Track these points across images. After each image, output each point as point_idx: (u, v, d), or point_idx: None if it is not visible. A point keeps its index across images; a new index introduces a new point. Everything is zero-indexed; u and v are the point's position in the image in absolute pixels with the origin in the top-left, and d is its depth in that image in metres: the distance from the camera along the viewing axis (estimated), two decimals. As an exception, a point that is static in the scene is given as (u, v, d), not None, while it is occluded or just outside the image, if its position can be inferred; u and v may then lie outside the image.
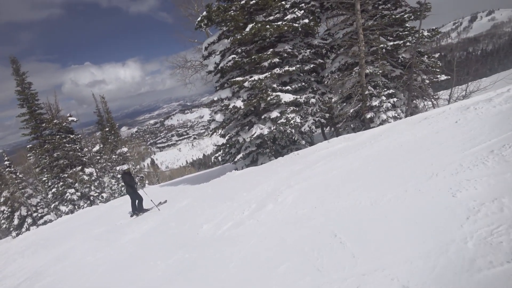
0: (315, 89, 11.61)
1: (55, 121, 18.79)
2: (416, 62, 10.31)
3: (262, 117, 9.64)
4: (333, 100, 12.06)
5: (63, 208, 18.62)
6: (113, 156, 23.40)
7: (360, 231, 2.77)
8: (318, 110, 11.46)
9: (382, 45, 10.22)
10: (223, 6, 9.40)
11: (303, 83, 11.29)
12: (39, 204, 18.76)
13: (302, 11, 10.35)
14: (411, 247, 2.24)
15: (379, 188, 3.50)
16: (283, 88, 10.17)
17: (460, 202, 2.54)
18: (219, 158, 11.71)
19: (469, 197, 2.56)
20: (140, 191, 7.71)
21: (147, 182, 27.07)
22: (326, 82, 12.81)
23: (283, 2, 10.00)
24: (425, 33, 10.37)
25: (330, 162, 5.71)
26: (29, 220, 18.26)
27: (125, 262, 4.52)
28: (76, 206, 18.84)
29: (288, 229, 3.45)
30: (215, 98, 9.81)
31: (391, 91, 10.49)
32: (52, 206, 18.99)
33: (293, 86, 10.52)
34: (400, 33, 10.72)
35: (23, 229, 18.02)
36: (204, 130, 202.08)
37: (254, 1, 9.32)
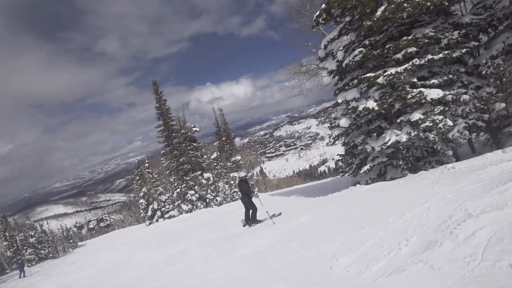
0: (465, 82, 8.53)
1: (182, 131, 22.09)
2: None
3: (398, 120, 7.50)
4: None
5: (184, 207, 21.30)
6: (228, 164, 25.51)
7: None
8: (473, 110, 8.35)
9: None
10: (346, -7, 8.05)
11: (450, 75, 8.43)
12: (167, 200, 22.16)
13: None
14: None
15: None
16: (426, 83, 7.76)
17: None
18: (339, 169, 10.04)
19: None
20: (255, 199, 7.11)
21: (257, 189, 28.15)
22: (483, 72, 9.20)
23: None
24: None
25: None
26: (158, 213, 21.77)
27: (236, 283, 3.72)
28: (194, 206, 21.18)
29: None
30: (339, 101, 8.36)
31: None
32: (176, 204, 22.05)
33: (436, 81, 7.89)
34: None
35: (154, 220, 21.59)
36: (311, 141, 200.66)
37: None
